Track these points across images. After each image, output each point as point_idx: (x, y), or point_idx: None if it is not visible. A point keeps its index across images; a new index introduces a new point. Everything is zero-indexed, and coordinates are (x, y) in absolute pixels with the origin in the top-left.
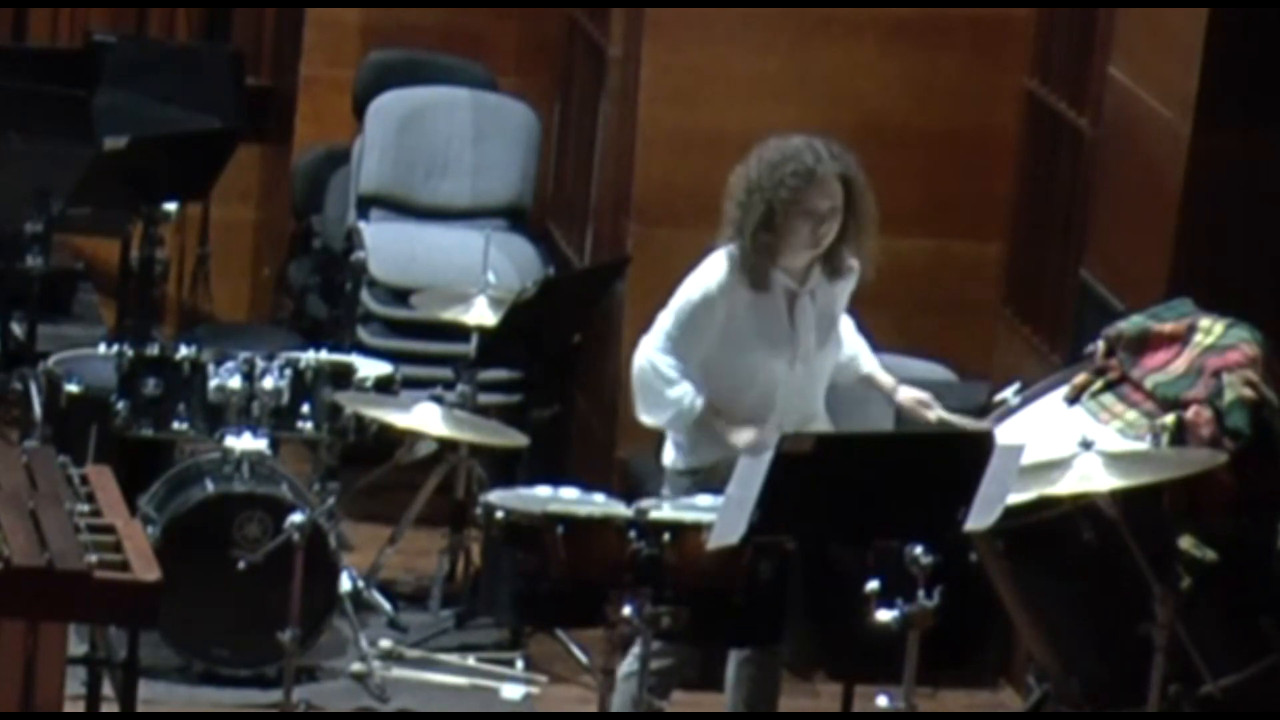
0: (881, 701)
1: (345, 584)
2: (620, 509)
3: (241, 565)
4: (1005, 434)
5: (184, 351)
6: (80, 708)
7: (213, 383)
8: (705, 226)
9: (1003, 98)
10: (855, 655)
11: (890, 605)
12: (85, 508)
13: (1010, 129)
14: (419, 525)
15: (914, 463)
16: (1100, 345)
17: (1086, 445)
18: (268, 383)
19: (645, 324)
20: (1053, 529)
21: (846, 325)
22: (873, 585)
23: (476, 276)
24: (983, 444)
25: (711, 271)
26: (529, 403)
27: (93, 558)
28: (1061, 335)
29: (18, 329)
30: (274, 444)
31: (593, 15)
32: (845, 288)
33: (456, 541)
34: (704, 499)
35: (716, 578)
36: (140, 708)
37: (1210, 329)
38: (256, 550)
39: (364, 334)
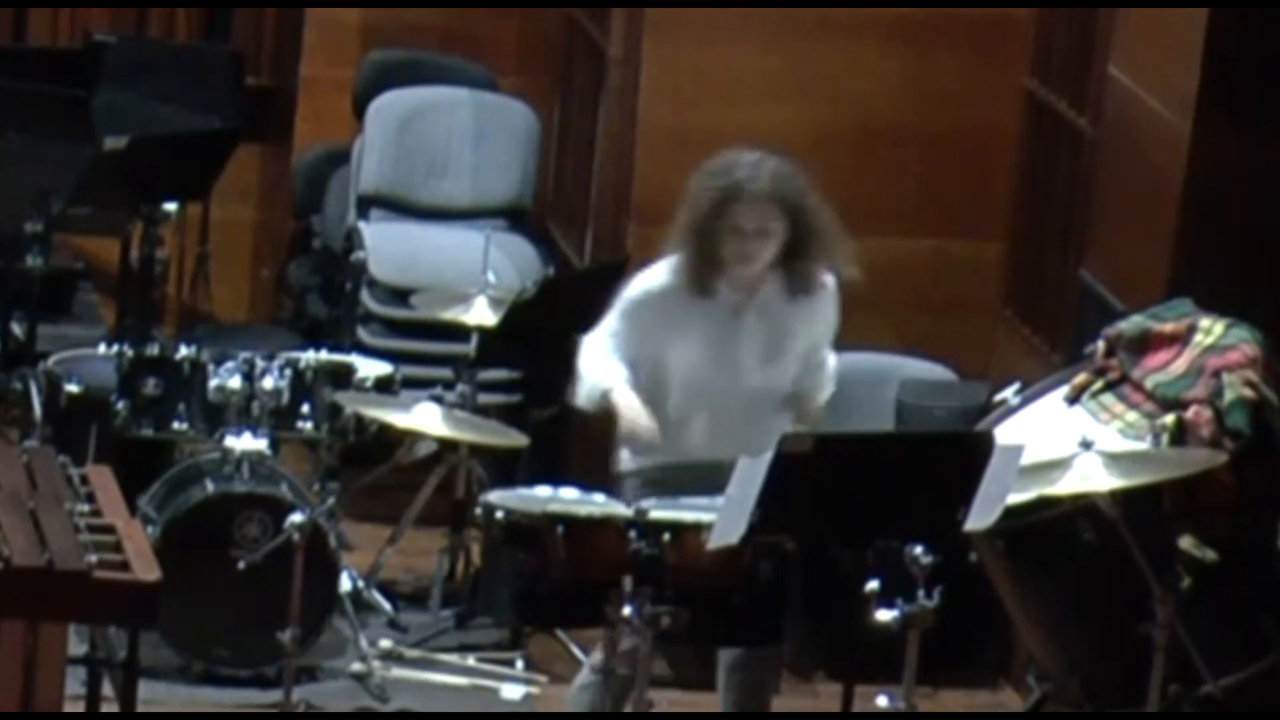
0: (881, 701)
1: (345, 584)
2: (620, 509)
3: (241, 565)
4: (1005, 434)
5: (184, 351)
6: (80, 708)
7: (213, 383)
8: None
9: (1003, 98)
10: (855, 655)
11: (890, 605)
12: (85, 508)
13: (1010, 129)
14: (419, 525)
15: (914, 463)
16: (1100, 345)
17: (1086, 445)
18: (268, 383)
19: None
20: (1053, 529)
21: (825, 357)
22: (873, 585)
23: (476, 276)
24: (983, 444)
25: (654, 272)
26: (529, 403)
27: (93, 558)
28: (1061, 335)
29: (18, 329)
30: (274, 444)
31: (593, 15)
32: (815, 309)
33: (456, 541)
34: (701, 500)
35: (716, 578)
36: (140, 708)
37: (1210, 329)
38: (256, 550)
39: (364, 334)
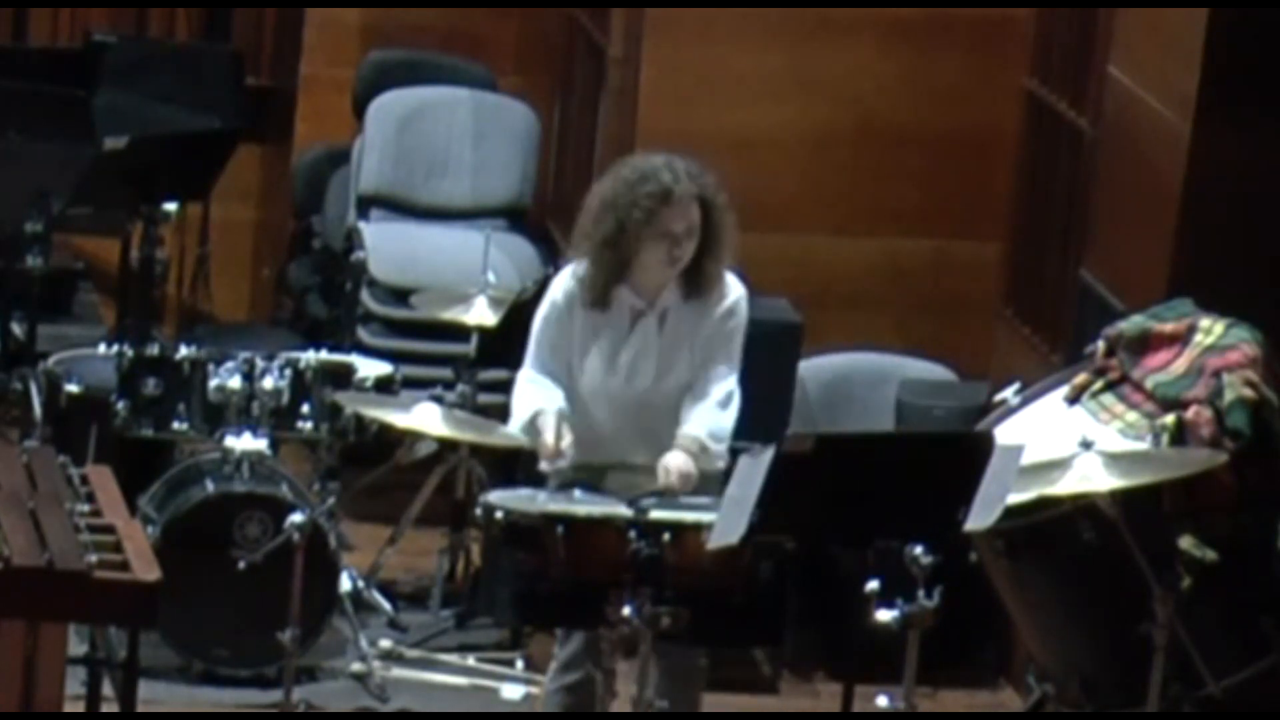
0: (881, 701)
1: (345, 584)
2: (620, 509)
3: (241, 565)
4: (1005, 434)
5: (184, 351)
6: (80, 708)
7: (213, 383)
8: None
9: (1003, 98)
10: (855, 655)
11: (890, 605)
12: (85, 508)
13: (1010, 129)
14: (419, 525)
15: (914, 463)
16: (1100, 345)
17: (1086, 445)
18: (268, 383)
19: None
20: (1053, 529)
21: (719, 375)
22: (873, 585)
23: (476, 276)
24: (983, 444)
25: (556, 286)
26: None
27: (93, 558)
28: (1061, 335)
29: (18, 329)
30: (274, 444)
31: (593, 15)
32: (707, 316)
33: (456, 541)
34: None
35: (716, 578)
36: (140, 708)
37: (1210, 329)
38: (256, 550)
39: (364, 334)
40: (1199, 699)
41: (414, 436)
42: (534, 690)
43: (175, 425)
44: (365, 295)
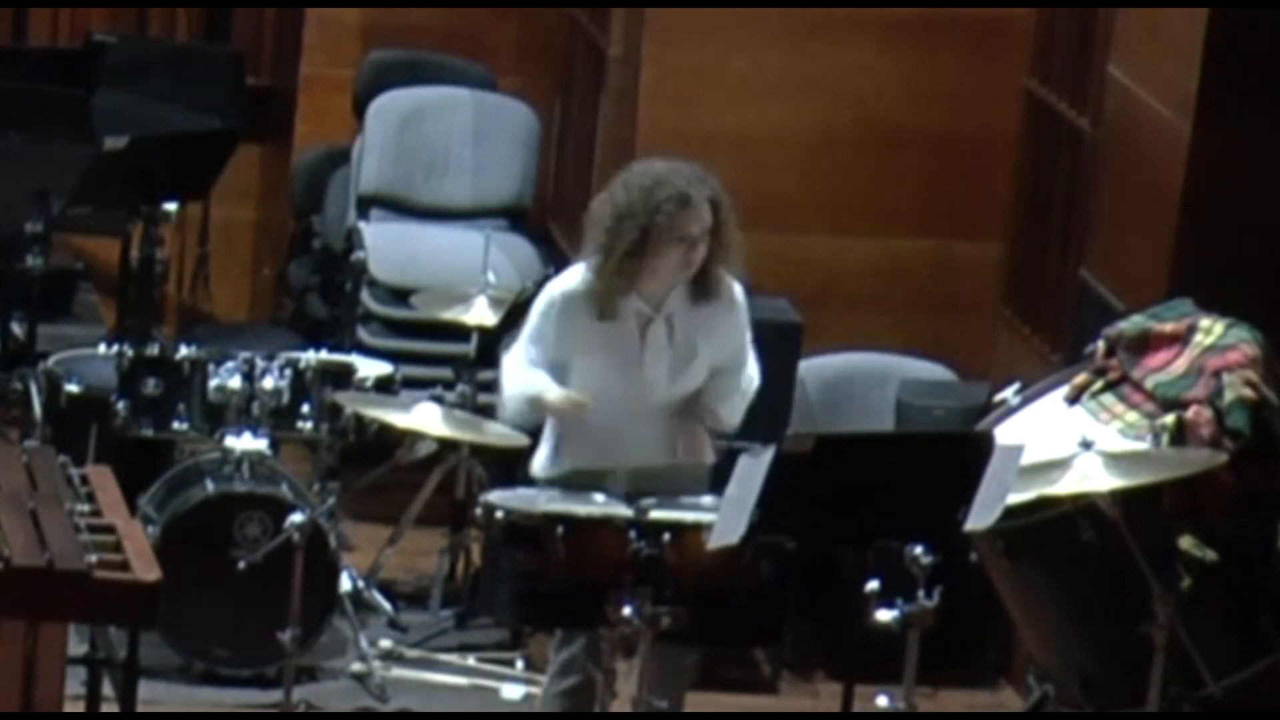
0: (881, 701)
1: (345, 584)
2: (620, 509)
3: (241, 565)
4: (1005, 434)
5: (184, 351)
6: (80, 708)
7: (213, 383)
8: None
9: (1003, 98)
10: (855, 655)
11: (890, 605)
12: (85, 508)
13: (1010, 129)
14: (419, 525)
15: (914, 463)
16: (1100, 345)
17: (1086, 445)
18: (268, 383)
19: None
20: (1053, 529)
21: (739, 364)
22: (873, 585)
23: (476, 276)
24: (983, 444)
25: (558, 284)
26: None
27: (93, 558)
28: (1061, 335)
29: (18, 329)
30: (274, 444)
31: (593, 15)
32: (720, 315)
33: (456, 541)
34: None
35: (716, 578)
36: (140, 708)
37: (1210, 329)
38: (256, 550)
39: (364, 334)
40: (1199, 699)
41: (414, 436)
42: (534, 690)
43: (175, 425)
44: (365, 295)
